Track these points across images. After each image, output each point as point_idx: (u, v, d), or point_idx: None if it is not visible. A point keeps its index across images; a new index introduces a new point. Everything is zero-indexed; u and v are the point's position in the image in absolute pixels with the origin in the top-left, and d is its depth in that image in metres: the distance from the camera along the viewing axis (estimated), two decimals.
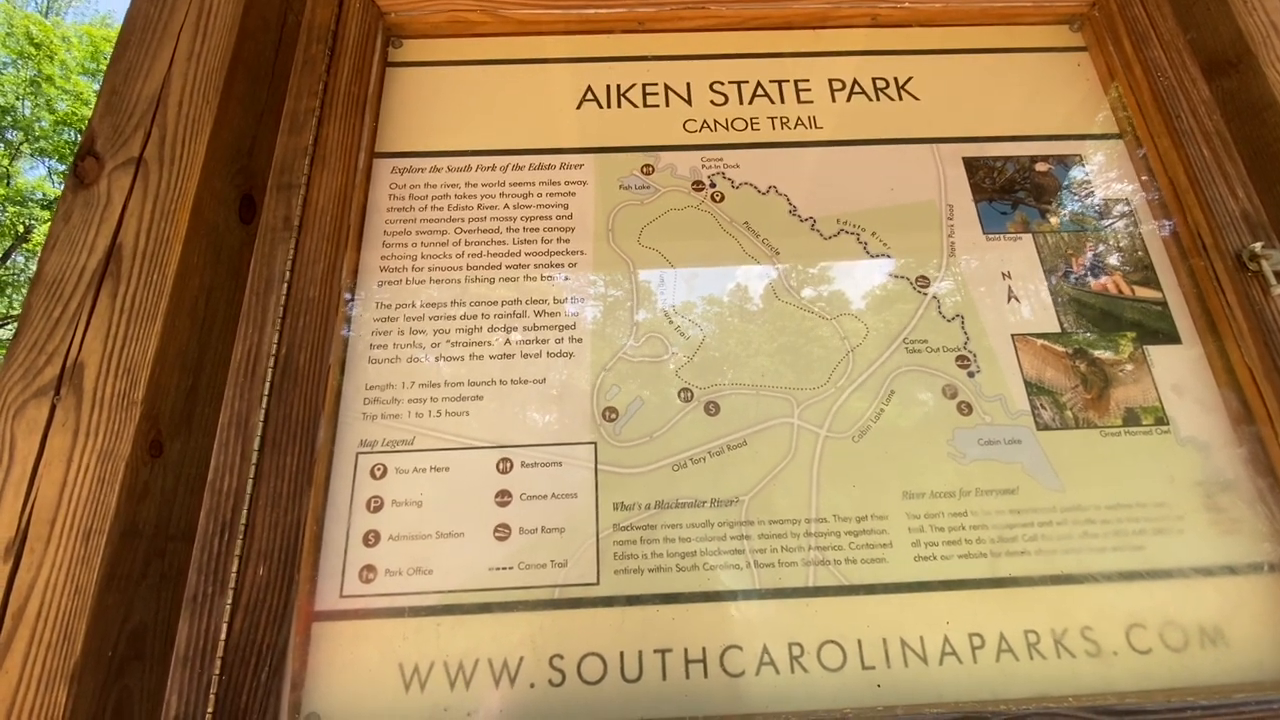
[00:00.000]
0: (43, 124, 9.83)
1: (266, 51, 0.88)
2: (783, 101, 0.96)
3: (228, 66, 0.80)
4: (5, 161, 9.84)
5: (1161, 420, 0.77)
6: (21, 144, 9.92)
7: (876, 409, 0.77)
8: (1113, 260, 0.86)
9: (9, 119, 9.70)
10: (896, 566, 0.70)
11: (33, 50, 9.28)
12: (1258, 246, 0.79)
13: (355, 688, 0.64)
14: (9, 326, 10.31)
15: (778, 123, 0.94)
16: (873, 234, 0.87)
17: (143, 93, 0.77)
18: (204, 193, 0.74)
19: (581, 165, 0.91)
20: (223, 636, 0.62)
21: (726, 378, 0.79)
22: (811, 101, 0.96)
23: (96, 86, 9.78)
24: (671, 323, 0.82)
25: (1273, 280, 0.77)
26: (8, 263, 10.33)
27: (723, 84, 0.97)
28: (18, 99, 9.66)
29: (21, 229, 10.12)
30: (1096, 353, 0.80)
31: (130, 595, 0.62)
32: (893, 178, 0.91)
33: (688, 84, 0.97)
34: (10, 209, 9.80)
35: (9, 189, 9.76)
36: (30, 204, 9.98)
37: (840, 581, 0.69)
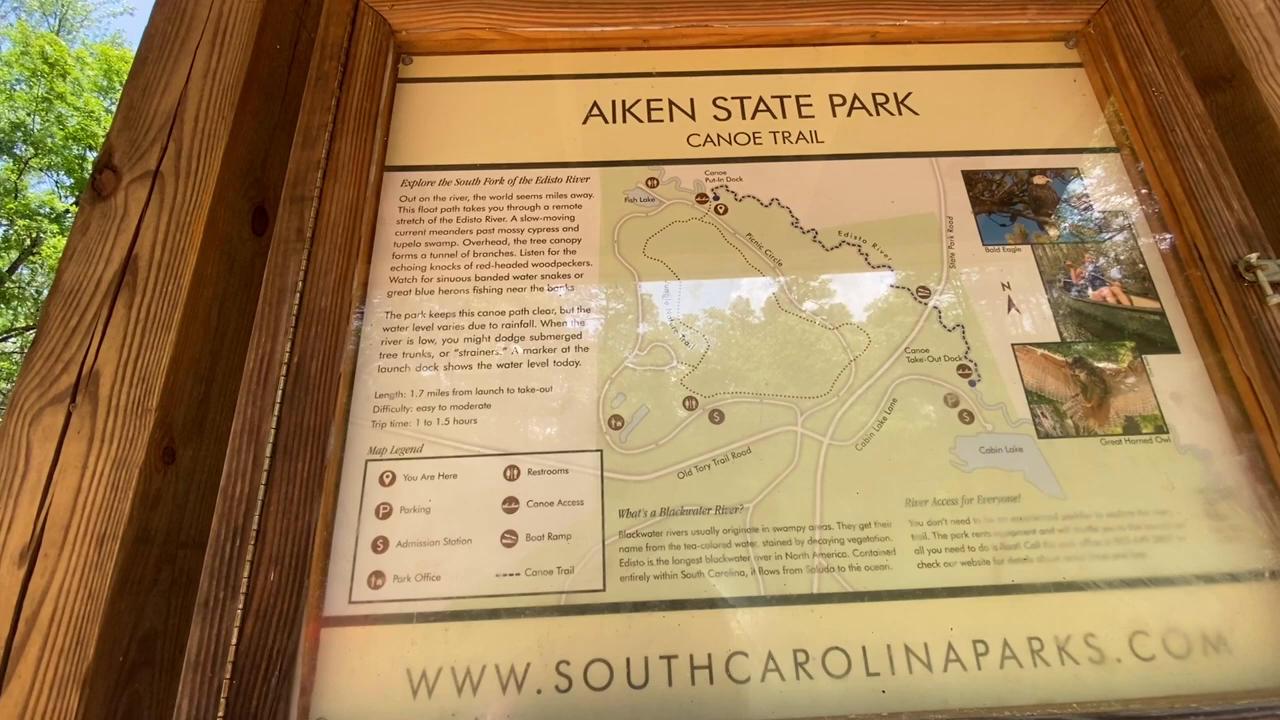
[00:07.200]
0: (53, 139, 9.94)
1: (280, 68, 0.90)
2: (784, 116, 0.98)
3: (243, 83, 0.81)
4: (14, 176, 9.94)
5: (1161, 428, 0.78)
6: (31, 158, 10.03)
7: (879, 417, 0.78)
8: (1111, 271, 0.87)
9: (19, 134, 9.82)
10: (900, 573, 0.71)
11: (46, 68, 9.41)
12: (1253, 257, 0.80)
13: (364, 693, 0.65)
14: (11, 340, 10.36)
15: (780, 137, 0.96)
16: (874, 245, 0.89)
17: (160, 108, 0.79)
18: (218, 205, 0.76)
19: (587, 178, 0.93)
20: (233, 641, 0.63)
21: (730, 387, 0.80)
22: (813, 116, 0.98)
23: (108, 104, 9.90)
24: (676, 332, 0.83)
25: (1269, 290, 0.78)
26: (14, 275, 10.39)
27: (725, 99, 0.99)
28: (29, 115, 9.78)
29: (29, 241, 10.20)
30: (1096, 362, 0.81)
31: (142, 601, 0.63)
32: (893, 190, 0.92)
33: (691, 99, 0.99)
34: (20, 222, 9.88)
35: (18, 202, 9.85)
36: (39, 217, 10.07)
37: (844, 588, 0.70)
